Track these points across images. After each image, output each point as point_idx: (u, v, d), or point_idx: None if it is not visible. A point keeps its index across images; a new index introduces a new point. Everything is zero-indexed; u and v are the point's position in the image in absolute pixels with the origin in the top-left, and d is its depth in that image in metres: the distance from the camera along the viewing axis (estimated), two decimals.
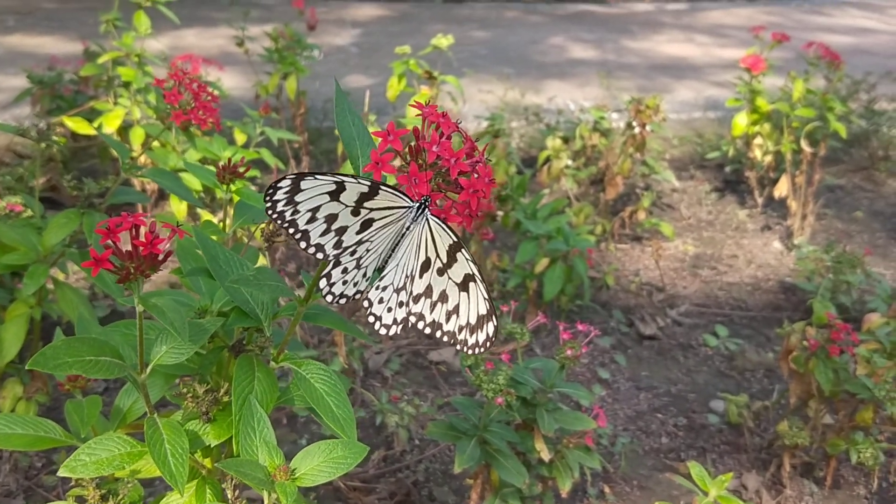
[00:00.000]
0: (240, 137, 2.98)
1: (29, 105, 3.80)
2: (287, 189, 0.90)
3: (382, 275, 0.97)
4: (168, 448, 0.95)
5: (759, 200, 3.96)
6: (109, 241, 0.88)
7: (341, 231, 0.95)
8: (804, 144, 3.38)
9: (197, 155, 2.66)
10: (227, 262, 1.07)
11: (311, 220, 0.93)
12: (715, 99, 5.57)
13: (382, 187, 0.93)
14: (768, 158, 3.74)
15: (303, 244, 0.94)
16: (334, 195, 0.92)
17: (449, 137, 0.92)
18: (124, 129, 3.14)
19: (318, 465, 0.98)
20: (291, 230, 0.93)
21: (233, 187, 1.28)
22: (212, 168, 1.35)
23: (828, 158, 4.37)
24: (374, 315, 0.97)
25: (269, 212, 0.91)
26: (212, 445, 1.05)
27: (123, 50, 3.05)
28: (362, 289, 0.99)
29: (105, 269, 0.87)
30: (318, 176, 0.91)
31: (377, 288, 0.97)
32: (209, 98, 1.53)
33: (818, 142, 3.41)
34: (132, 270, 0.90)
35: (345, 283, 0.97)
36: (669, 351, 2.92)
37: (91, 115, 3.18)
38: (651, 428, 2.55)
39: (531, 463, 1.85)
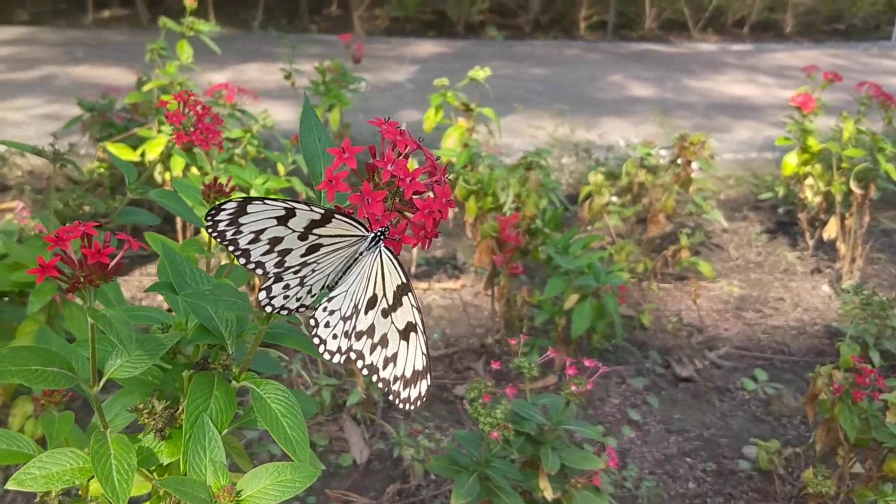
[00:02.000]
0: (282, 168, 2.99)
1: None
2: (231, 211, 0.89)
3: (331, 295, 0.95)
4: (114, 464, 0.93)
5: (810, 242, 3.85)
6: (59, 249, 0.88)
7: (285, 252, 0.92)
8: (853, 185, 3.29)
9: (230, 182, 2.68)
10: (192, 278, 1.05)
11: (254, 241, 0.91)
12: (773, 139, 5.45)
13: (336, 216, 0.91)
14: (819, 199, 3.64)
15: (242, 261, 0.92)
16: (282, 220, 0.90)
17: (406, 156, 0.90)
18: (168, 156, 3.19)
19: (264, 487, 0.95)
20: (231, 248, 0.91)
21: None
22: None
23: (884, 202, 4.24)
24: (319, 338, 0.94)
25: (210, 230, 0.89)
26: (164, 464, 1.03)
27: (167, 78, 3.09)
28: (307, 303, 0.97)
29: (51, 276, 0.86)
30: (267, 201, 0.89)
31: (324, 309, 0.94)
32: (212, 120, 1.53)
33: (868, 183, 3.31)
34: (81, 279, 0.89)
35: (286, 297, 0.95)
36: (705, 394, 2.84)
37: (137, 142, 3.23)
38: (679, 472, 2.47)
39: (537, 502, 1.80)
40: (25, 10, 9.17)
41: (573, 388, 1.68)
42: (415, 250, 3.55)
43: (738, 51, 9.12)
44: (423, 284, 3.49)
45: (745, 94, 6.97)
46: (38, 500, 1.13)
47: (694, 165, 3.39)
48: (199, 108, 1.53)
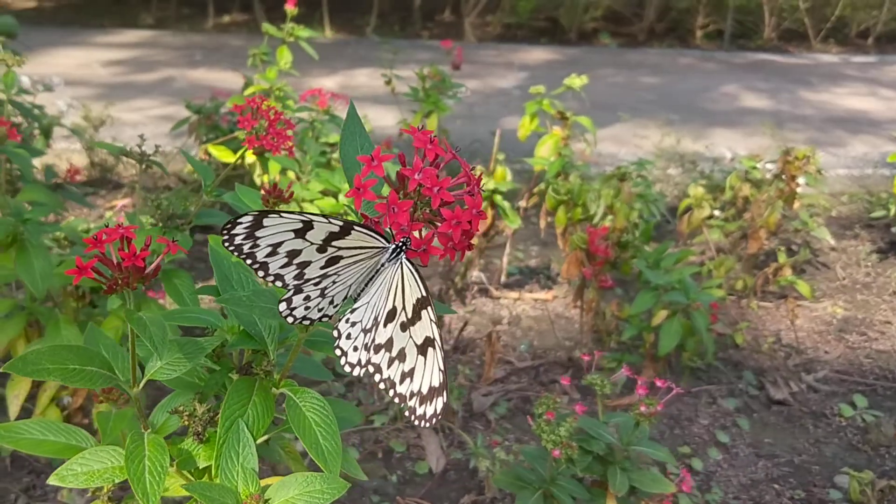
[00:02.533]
0: None
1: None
2: (248, 225, 0.88)
3: (354, 307, 0.93)
4: (147, 465, 0.94)
5: None
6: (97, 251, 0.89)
7: (304, 265, 0.91)
8: None
9: (319, 186, 2.72)
10: (238, 283, 1.06)
11: (272, 254, 0.90)
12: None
13: (355, 228, 0.89)
14: None
15: (261, 273, 0.91)
16: (300, 233, 0.89)
17: (437, 165, 0.87)
18: (265, 160, 3.24)
19: (292, 497, 0.94)
20: (249, 261, 0.90)
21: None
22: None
23: None
24: (341, 349, 0.92)
25: (226, 244, 0.88)
26: (201, 467, 1.04)
27: (267, 83, 3.15)
28: (330, 314, 0.95)
29: (88, 277, 0.87)
30: (283, 214, 0.88)
31: (347, 321, 0.93)
32: (284, 125, 1.54)
33: None
34: (119, 282, 0.90)
35: (307, 308, 0.93)
36: (799, 418, 2.72)
37: (238, 145, 3.30)
38: (765, 499, 2.37)
39: None
40: (151, 15, 9.54)
41: (642, 408, 1.62)
42: (505, 259, 3.52)
43: (861, 63, 8.77)
44: (514, 294, 3.46)
45: (865, 107, 6.70)
46: (90, 494, 1.15)
47: (800, 181, 3.26)
48: (271, 113, 1.54)
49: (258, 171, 3.30)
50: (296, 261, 0.91)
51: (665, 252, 2.70)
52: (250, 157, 3.19)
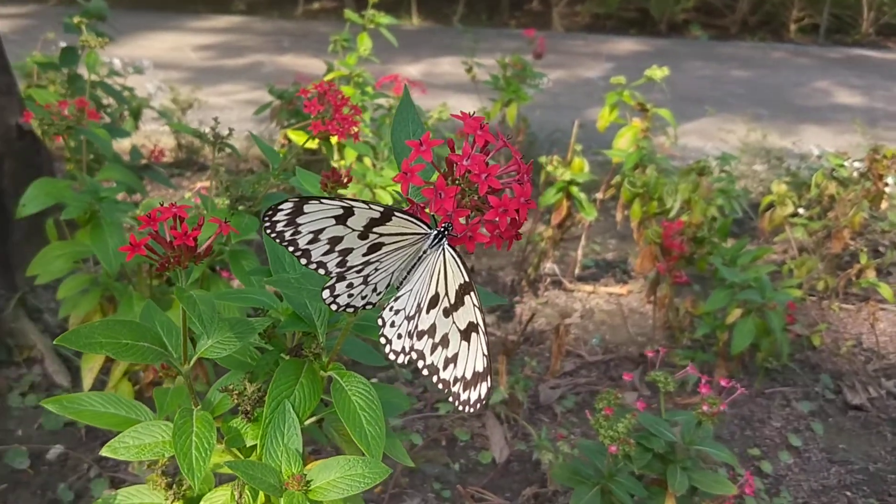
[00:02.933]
0: None
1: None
2: (289, 211, 0.88)
3: (398, 295, 0.92)
4: (194, 441, 0.96)
5: None
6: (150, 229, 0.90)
7: (346, 252, 0.91)
8: None
9: (392, 172, 2.73)
10: (290, 265, 1.06)
11: (313, 241, 0.90)
12: None
13: (396, 213, 0.89)
14: None
15: (303, 261, 0.90)
16: (341, 219, 0.89)
17: (486, 151, 0.86)
18: (343, 146, 3.27)
19: (334, 479, 0.95)
20: (291, 248, 0.90)
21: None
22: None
23: None
24: (385, 337, 0.92)
25: (268, 231, 0.88)
26: (249, 445, 1.05)
27: (347, 69, 3.17)
28: (373, 301, 0.95)
29: (140, 255, 0.89)
30: (323, 200, 0.88)
31: (391, 309, 0.92)
32: (350, 111, 1.55)
33: None
34: (171, 260, 0.92)
35: (350, 295, 0.93)
36: (877, 425, 2.63)
37: None
38: None
39: None
40: (243, 1, 9.71)
41: (704, 407, 1.58)
42: (580, 251, 3.48)
43: None
44: (588, 287, 3.42)
45: None
46: (146, 468, 1.18)
47: (889, 180, 3.14)
48: (338, 98, 1.55)
49: (335, 156, 3.32)
50: (338, 248, 0.90)
51: (742, 249, 2.64)
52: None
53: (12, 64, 2.98)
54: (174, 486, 1.14)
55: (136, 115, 3.88)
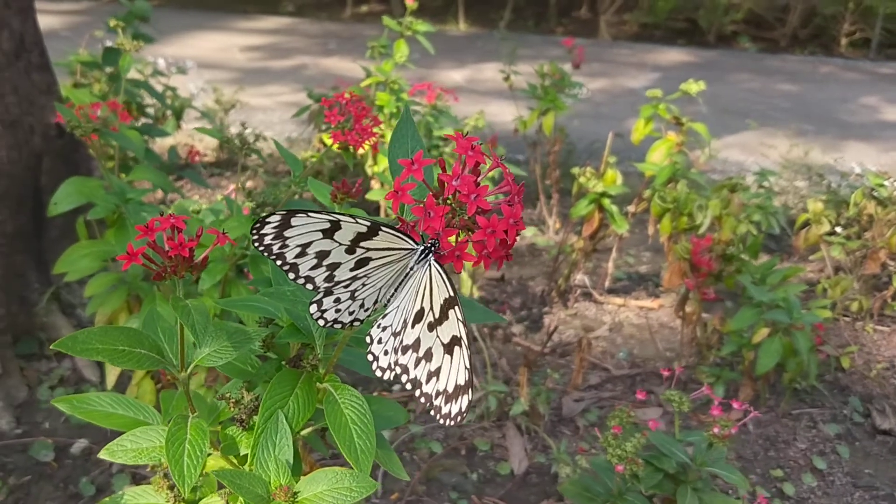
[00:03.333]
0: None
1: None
2: (276, 224, 0.89)
3: (385, 312, 0.93)
4: (187, 448, 0.97)
5: None
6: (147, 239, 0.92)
7: (333, 266, 0.92)
8: None
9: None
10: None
11: (301, 254, 0.91)
12: None
13: (383, 228, 0.89)
14: None
15: (291, 275, 0.91)
16: (328, 233, 0.90)
17: (477, 172, 0.87)
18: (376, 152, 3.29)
19: (321, 492, 0.95)
20: (279, 262, 0.91)
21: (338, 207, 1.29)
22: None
23: None
24: (373, 354, 0.92)
25: (256, 244, 0.89)
26: (242, 454, 1.06)
27: (383, 76, 3.19)
28: (361, 317, 0.95)
29: (137, 264, 0.91)
30: (311, 214, 0.88)
31: (378, 326, 0.93)
32: (370, 121, 1.56)
33: None
34: (167, 269, 0.93)
35: (338, 311, 0.94)
36: None
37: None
38: None
39: None
40: (292, 2, 9.80)
41: (715, 429, 1.57)
42: (610, 263, 3.47)
43: None
44: (619, 300, 3.40)
45: None
46: (149, 470, 1.20)
47: None
48: (358, 108, 1.56)
49: (370, 161, 3.35)
50: (325, 262, 0.91)
51: (772, 268, 2.61)
52: (361, 148, 3.25)
53: (61, 61, 3.04)
54: (175, 488, 1.16)
55: (179, 114, 3.93)
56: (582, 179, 3.08)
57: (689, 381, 2.84)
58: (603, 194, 3.05)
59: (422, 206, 0.84)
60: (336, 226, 0.89)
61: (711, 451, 1.63)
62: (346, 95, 1.57)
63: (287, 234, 0.89)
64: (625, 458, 1.52)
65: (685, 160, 3.03)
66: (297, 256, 0.91)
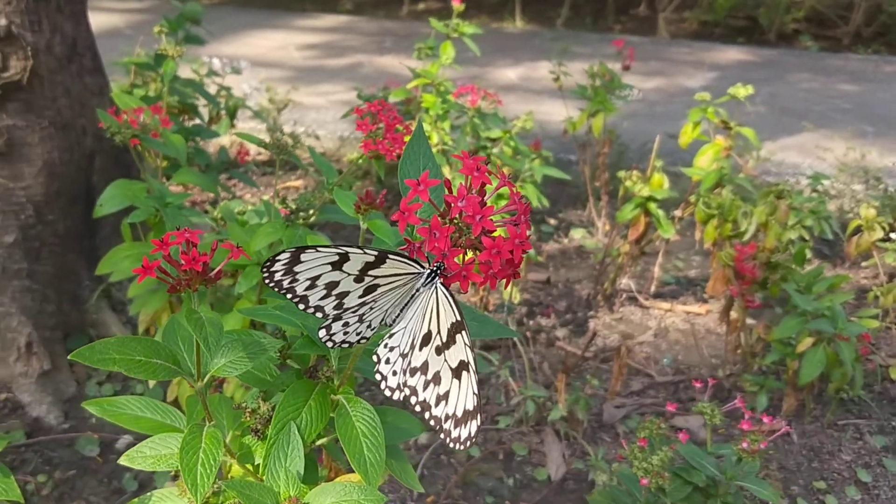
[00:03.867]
0: (505, 170, 3.00)
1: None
2: (286, 261, 0.90)
3: (392, 332, 0.94)
4: (201, 457, 0.99)
5: None
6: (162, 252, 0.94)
7: (342, 295, 0.93)
8: None
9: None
10: None
11: (311, 287, 0.92)
12: None
13: (390, 256, 0.90)
14: None
15: (301, 306, 0.93)
16: (336, 265, 0.91)
17: (483, 192, 0.87)
18: None
19: None
20: (289, 296, 0.92)
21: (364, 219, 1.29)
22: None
23: None
24: (381, 374, 0.93)
25: (267, 281, 0.91)
26: (257, 463, 1.08)
27: (429, 78, 3.19)
28: (367, 336, 0.97)
29: (152, 277, 0.93)
30: (319, 248, 0.90)
31: (385, 346, 0.94)
32: (403, 130, 1.57)
33: None
34: (182, 282, 0.95)
35: (346, 333, 0.95)
36: None
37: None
38: None
39: None
40: (350, 0, 9.86)
41: (744, 444, 1.55)
42: (656, 268, 3.44)
43: None
44: (665, 304, 3.37)
45: None
46: (172, 474, 1.22)
47: None
48: (390, 118, 1.57)
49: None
50: (334, 292, 0.93)
51: (819, 276, 2.56)
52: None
53: (122, 60, 3.11)
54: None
55: (233, 114, 3.99)
56: (628, 183, 3.05)
57: (733, 388, 2.80)
58: (649, 198, 3.02)
59: (427, 226, 0.85)
60: (344, 258, 0.91)
61: (742, 464, 1.61)
62: (378, 105, 1.58)
63: (297, 269, 0.91)
64: (650, 471, 1.51)
65: (732, 165, 2.99)
66: (307, 289, 0.92)
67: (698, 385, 1.88)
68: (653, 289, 3.44)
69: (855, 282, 3.59)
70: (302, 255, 0.91)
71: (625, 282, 3.46)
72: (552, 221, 4.11)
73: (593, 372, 2.87)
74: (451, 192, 0.87)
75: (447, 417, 0.90)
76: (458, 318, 0.89)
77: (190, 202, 3.99)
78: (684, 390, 2.84)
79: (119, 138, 1.87)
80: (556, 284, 3.53)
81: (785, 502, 2.34)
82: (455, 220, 0.86)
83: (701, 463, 1.63)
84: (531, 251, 2.78)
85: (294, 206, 1.74)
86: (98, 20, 7.29)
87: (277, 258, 0.90)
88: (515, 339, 2.77)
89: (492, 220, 0.85)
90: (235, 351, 1.03)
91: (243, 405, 1.08)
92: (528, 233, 0.87)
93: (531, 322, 3.18)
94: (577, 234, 3.97)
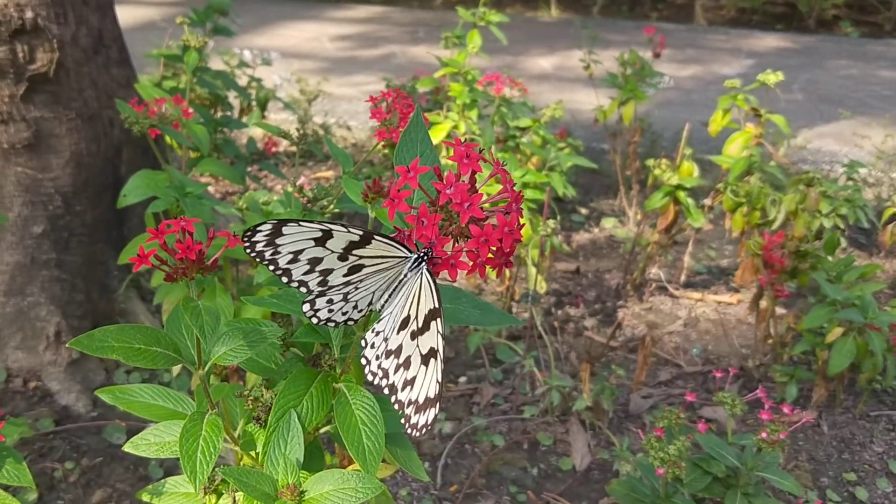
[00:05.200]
0: (535, 161, 2.99)
1: None
2: (267, 233, 0.90)
3: (381, 317, 0.94)
4: (201, 444, 0.99)
5: None
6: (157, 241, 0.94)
7: (326, 272, 0.93)
8: None
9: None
10: None
11: (294, 260, 0.92)
12: None
13: (375, 237, 0.90)
14: None
15: (284, 279, 0.93)
16: (320, 241, 0.91)
17: (473, 180, 0.86)
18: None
19: (327, 492, 0.97)
20: (271, 267, 0.92)
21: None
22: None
23: None
24: (366, 358, 0.93)
25: (248, 250, 0.91)
26: (259, 451, 1.08)
27: (456, 67, 3.18)
28: (354, 318, 0.96)
29: (146, 265, 0.93)
30: (302, 223, 0.90)
31: (373, 331, 0.93)
32: None
33: None
34: (178, 271, 0.95)
35: (331, 311, 0.95)
36: None
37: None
38: None
39: None
40: None
41: (763, 434, 1.53)
42: (686, 257, 3.40)
43: None
44: (696, 294, 3.33)
45: None
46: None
47: None
48: (404, 106, 1.56)
49: (443, 153, 3.35)
50: (318, 268, 0.92)
51: (850, 265, 2.51)
52: (434, 139, 3.25)
53: (154, 53, 3.14)
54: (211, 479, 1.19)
55: (263, 105, 4.01)
56: (657, 171, 3.02)
57: (763, 379, 2.77)
58: (678, 186, 2.99)
59: (416, 214, 0.84)
60: (328, 234, 0.90)
61: (763, 455, 1.59)
62: (392, 94, 1.57)
63: (279, 241, 0.91)
64: (667, 460, 1.50)
65: (763, 153, 2.95)
66: (289, 262, 0.92)
67: (719, 374, 1.85)
68: (683, 278, 3.40)
69: (891, 271, 3.52)
70: (284, 228, 0.91)
71: (654, 271, 3.43)
72: (583, 211, 4.08)
73: (620, 362, 2.84)
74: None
75: (409, 403, 0.89)
76: (436, 306, 0.88)
77: (221, 193, 4.02)
78: (713, 381, 2.81)
79: (137, 128, 1.88)
80: (586, 274, 3.51)
81: (815, 494, 2.30)
82: (444, 208, 0.85)
83: (720, 453, 1.61)
84: (557, 241, 2.77)
85: (312, 196, 1.74)
86: (134, 13, 7.37)
87: (259, 228, 0.90)
88: (541, 329, 2.75)
89: (482, 208, 0.84)
90: (236, 339, 1.03)
91: (245, 392, 1.09)
92: (520, 221, 0.86)
93: (559, 312, 3.17)
94: (609, 224, 3.94)
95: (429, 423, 0.88)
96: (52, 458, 2.29)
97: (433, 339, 0.88)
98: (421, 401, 0.88)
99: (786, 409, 1.65)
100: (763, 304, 2.69)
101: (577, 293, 3.34)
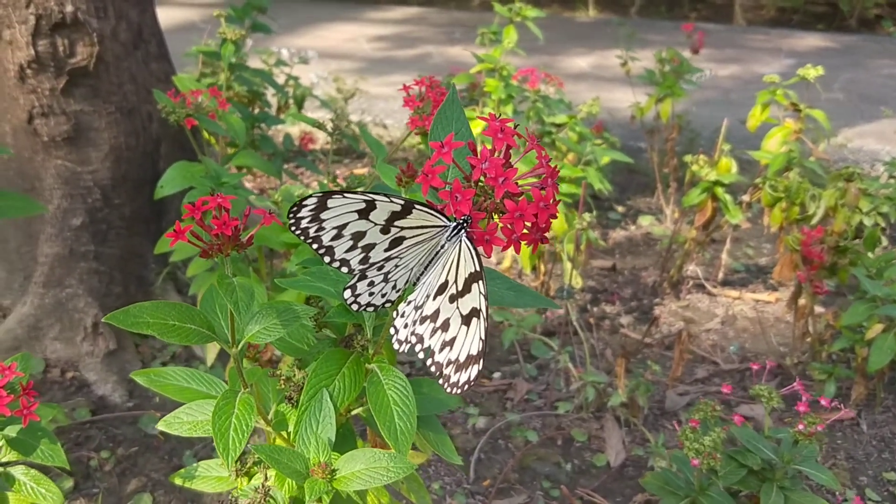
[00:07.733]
0: (571, 156, 2.97)
1: None
2: (313, 207, 0.89)
3: (413, 290, 0.93)
4: (234, 423, 1.00)
5: None
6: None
7: (368, 248, 0.92)
8: None
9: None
10: None
11: (337, 237, 0.91)
12: None
13: (416, 206, 0.89)
14: None
15: (326, 259, 0.92)
16: (363, 213, 0.90)
17: (508, 155, 0.85)
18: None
19: (358, 471, 0.96)
20: (315, 245, 0.91)
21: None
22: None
23: None
24: (395, 327, 0.93)
25: (293, 228, 0.90)
26: (290, 430, 1.08)
27: (491, 63, 3.17)
28: (392, 299, 0.96)
29: (183, 241, 0.94)
30: (346, 194, 0.89)
31: (406, 302, 0.93)
32: None
33: None
34: (213, 247, 0.96)
35: (371, 294, 0.94)
36: None
37: None
38: None
39: None
40: None
41: (800, 426, 1.50)
42: (724, 254, 3.36)
43: None
44: (734, 292, 3.30)
45: None
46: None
47: None
48: (437, 94, 1.56)
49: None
50: (360, 244, 0.92)
51: (891, 261, 2.47)
52: None
53: (193, 50, 3.17)
54: (238, 462, 1.19)
55: (300, 103, 4.03)
56: (694, 167, 3.00)
57: (801, 377, 2.73)
58: (716, 183, 2.96)
59: (450, 189, 0.84)
60: (371, 205, 0.90)
61: (800, 448, 1.56)
62: (426, 81, 1.57)
63: (323, 216, 0.90)
64: (702, 451, 1.48)
65: (803, 149, 2.91)
66: (332, 239, 0.92)
67: (755, 367, 1.83)
68: (721, 276, 3.37)
69: None
70: (329, 201, 0.90)
71: (692, 269, 3.40)
72: (620, 209, 4.06)
73: (656, 359, 2.82)
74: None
75: (449, 363, 0.89)
76: (478, 269, 0.88)
77: (258, 189, 4.05)
78: (750, 378, 2.77)
79: (173, 118, 1.90)
80: (622, 271, 3.48)
81: (853, 492, 2.26)
82: (481, 182, 0.85)
83: (756, 446, 1.59)
84: (593, 235, 2.76)
85: (345, 186, 1.74)
86: (174, 14, 7.44)
87: (304, 203, 0.89)
88: (576, 324, 2.73)
89: (517, 183, 0.83)
90: (269, 318, 1.03)
91: (277, 372, 1.09)
92: (555, 196, 0.85)
93: (594, 309, 3.15)
94: (645, 222, 3.91)
95: (471, 379, 0.87)
96: (88, 447, 2.31)
97: (475, 299, 0.88)
98: (462, 359, 0.88)
99: (823, 402, 1.62)
100: (801, 300, 2.65)
101: (613, 290, 3.32)
